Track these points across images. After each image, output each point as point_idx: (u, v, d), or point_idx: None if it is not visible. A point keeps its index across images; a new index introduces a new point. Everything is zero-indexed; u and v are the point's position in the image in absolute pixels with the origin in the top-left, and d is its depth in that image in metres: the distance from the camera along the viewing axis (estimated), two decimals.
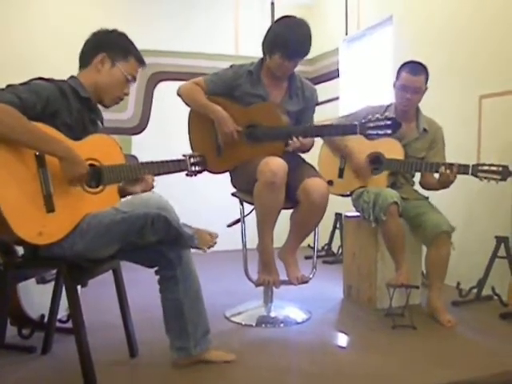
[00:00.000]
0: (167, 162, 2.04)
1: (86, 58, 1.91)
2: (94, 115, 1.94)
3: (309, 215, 2.49)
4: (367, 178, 2.84)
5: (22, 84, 1.69)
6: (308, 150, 2.65)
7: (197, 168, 2.18)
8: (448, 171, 2.55)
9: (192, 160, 2.16)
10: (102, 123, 2.00)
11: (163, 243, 1.86)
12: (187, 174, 2.18)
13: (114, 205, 1.80)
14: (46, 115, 1.70)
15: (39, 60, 4.05)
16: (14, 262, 1.88)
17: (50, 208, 1.65)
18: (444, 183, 2.64)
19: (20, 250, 1.94)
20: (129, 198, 1.91)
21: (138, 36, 4.35)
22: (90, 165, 1.79)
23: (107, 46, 1.89)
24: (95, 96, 1.91)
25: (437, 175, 2.71)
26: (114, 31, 1.94)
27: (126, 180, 1.93)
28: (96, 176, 1.82)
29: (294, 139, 2.43)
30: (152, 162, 1.99)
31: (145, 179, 1.96)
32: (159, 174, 2.02)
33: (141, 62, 1.98)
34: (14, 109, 1.58)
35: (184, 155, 2.14)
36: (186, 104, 2.63)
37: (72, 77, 1.89)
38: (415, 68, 2.74)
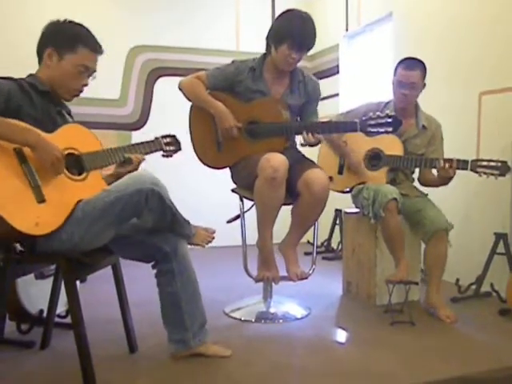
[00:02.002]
0: (142, 143, 2.07)
1: (38, 56, 1.89)
2: (60, 107, 1.93)
3: (310, 207, 2.47)
4: (365, 176, 2.84)
5: None
6: (315, 145, 2.56)
7: (171, 148, 2.20)
8: (447, 166, 2.55)
9: (165, 140, 2.18)
10: (71, 115, 1.99)
11: (159, 233, 1.87)
12: (163, 155, 2.19)
13: (102, 188, 1.80)
14: (10, 111, 1.68)
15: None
16: (14, 257, 1.87)
17: (40, 198, 1.66)
18: (443, 179, 2.63)
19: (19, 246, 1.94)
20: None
21: (137, 32, 4.34)
22: (69, 154, 1.80)
23: (52, 39, 1.84)
24: (53, 90, 1.88)
25: (435, 172, 2.71)
26: (64, 21, 1.87)
27: (107, 164, 1.92)
28: (77, 164, 1.83)
29: (305, 135, 2.39)
30: (129, 145, 2.01)
31: (132, 160, 1.97)
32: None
33: (93, 49, 1.87)
34: None
35: (156, 137, 2.15)
36: (187, 98, 2.63)
37: (30, 75, 1.87)
38: (410, 63, 2.75)
